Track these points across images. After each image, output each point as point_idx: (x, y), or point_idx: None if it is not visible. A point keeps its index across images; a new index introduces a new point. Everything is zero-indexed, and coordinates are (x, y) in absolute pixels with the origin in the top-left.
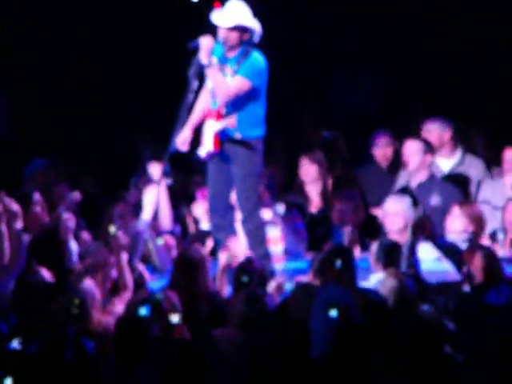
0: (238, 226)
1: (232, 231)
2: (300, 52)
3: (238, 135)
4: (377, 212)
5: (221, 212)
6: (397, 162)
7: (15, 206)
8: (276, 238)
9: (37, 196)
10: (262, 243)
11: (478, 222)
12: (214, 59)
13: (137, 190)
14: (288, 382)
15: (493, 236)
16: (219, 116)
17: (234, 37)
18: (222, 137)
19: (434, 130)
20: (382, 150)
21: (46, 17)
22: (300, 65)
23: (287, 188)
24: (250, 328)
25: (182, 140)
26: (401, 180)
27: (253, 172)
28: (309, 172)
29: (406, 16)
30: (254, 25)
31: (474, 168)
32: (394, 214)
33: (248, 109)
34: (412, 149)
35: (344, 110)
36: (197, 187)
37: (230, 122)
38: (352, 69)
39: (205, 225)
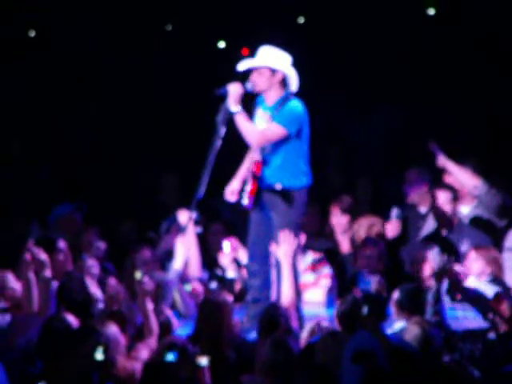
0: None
1: (268, 279)
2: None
3: (278, 185)
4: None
5: (259, 259)
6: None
7: (43, 255)
8: (307, 284)
9: (61, 243)
10: (296, 293)
11: (495, 264)
12: (239, 107)
13: (166, 236)
14: None
15: None
16: (258, 167)
17: (261, 79)
18: (263, 187)
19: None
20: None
21: None
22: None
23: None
24: (277, 374)
25: (230, 190)
26: (429, 224)
27: (292, 222)
28: (340, 222)
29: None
30: (285, 67)
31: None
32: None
33: (288, 158)
34: (442, 199)
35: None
36: (214, 236)
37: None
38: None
39: (231, 273)
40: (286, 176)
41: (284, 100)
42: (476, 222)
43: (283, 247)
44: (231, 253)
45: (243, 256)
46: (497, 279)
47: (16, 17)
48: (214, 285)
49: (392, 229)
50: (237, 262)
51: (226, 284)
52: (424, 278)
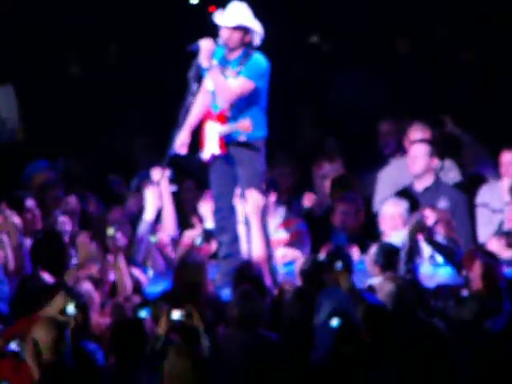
0: (241, 228)
1: (235, 233)
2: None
3: (242, 137)
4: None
5: (224, 213)
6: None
7: (16, 219)
8: (280, 241)
9: (29, 201)
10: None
11: (448, 225)
12: (215, 62)
13: (137, 193)
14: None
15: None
16: (223, 118)
17: (235, 37)
18: (227, 139)
19: (427, 130)
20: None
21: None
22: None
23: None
24: (247, 327)
25: (180, 143)
26: (401, 177)
27: (257, 172)
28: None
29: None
30: (256, 26)
31: (451, 171)
32: (391, 217)
33: (251, 110)
34: (418, 151)
35: (340, 109)
36: (187, 192)
37: (244, 126)
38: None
39: (209, 224)
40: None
41: (247, 54)
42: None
43: (250, 203)
44: (211, 203)
45: None
46: (450, 238)
47: None
48: (198, 240)
49: None
50: None
51: (205, 236)
52: (394, 233)
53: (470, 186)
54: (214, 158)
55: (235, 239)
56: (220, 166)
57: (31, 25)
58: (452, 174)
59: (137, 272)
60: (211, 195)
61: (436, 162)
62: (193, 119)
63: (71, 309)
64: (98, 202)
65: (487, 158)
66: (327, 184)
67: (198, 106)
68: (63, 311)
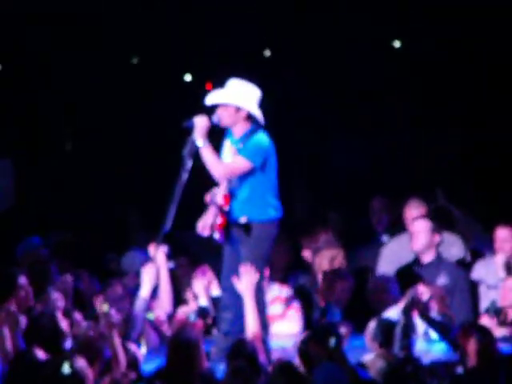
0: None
1: (240, 312)
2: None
3: (243, 219)
4: None
5: (231, 292)
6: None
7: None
8: (274, 316)
9: (22, 279)
10: (263, 325)
11: (442, 301)
12: (205, 141)
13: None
14: None
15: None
16: (226, 200)
17: (226, 115)
18: (231, 220)
19: (420, 206)
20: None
21: None
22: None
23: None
24: None
25: (202, 225)
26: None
27: (258, 255)
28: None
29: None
30: (248, 104)
31: (454, 247)
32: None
33: (254, 191)
34: (420, 227)
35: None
36: (181, 268)
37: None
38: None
39: (203, 301)
40: (252, 209)
41: (250, 133)
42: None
43: (244, 280)
44: (204, 280)
45: (215, 289)
46: (445, 314)
47: None
48: (192, 316)
49: None
50: (209, 293)
51: (200, 313)
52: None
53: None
54: (224, 238)
55: (239, 318)
56: (227, 246)
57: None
58: (454, 249)
59: (133, 348)
60: (203, 271)
61: (437, 238)
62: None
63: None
64: (91, 279)
65: (480, 232)
66: (320, 258)
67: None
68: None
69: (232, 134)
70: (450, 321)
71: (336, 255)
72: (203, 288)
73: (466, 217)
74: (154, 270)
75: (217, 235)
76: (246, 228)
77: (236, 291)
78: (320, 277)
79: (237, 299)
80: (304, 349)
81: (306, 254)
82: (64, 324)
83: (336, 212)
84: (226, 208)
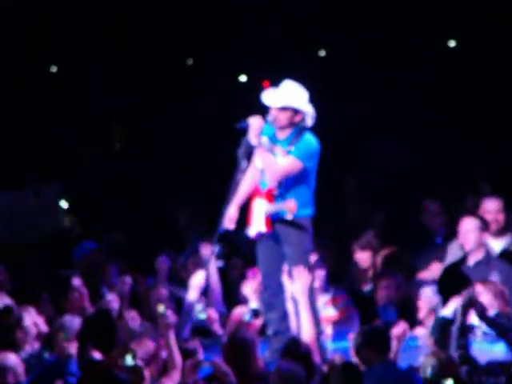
0: (290, 306)
1: (284, 310)
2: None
3: (289, 216)
4: None
5: (273, 291)
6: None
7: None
8: (329, 318)
9: (76, 281)
10: (316, 326)
11: (502, 298)
12: (265, 139)
13: (185, 270)
14: None
15: None
16: (270, 196)
17: (283, 117)
18: (273, 217)
19: (492, 209)
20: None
21: None
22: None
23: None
24: None
25: (228, 218)
26: (454, 252)
27: (304, 251)
28: (361, 257)
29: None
30: (306, 107)
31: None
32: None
33: (299, 189)
34: (469, 226)
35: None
36: (234, 269)
37: (290, 207)
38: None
39: (253, 304)
40: (297, 206)
41: (297, 134)
42: (507, 256)
43: (298, 283)
44: (254, 282)
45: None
46: (503, 313)
47: None
48: (247, 316)
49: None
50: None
51: (253, 313)
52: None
53: None
54: (261, 235)
55: (284, 316)
56: (267, 243)
57: None
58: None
59: (194, 344)
60: (253, 274)
61: (486, 236)
62: (241, 195)
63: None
64: (146, 281)
65: None
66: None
67: (246, 183)
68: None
69: (274, 134)
70: (510, 320)
71: (390, 253)
72: (253, 291)
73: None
74: (202, 273)
75: (252, 231)
76: (292, 225)
77: (278, 290)
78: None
79: (279, 297)
80: (359, 350)
81: (360, 255)
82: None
83: (382, 213)
84: (270, 204)
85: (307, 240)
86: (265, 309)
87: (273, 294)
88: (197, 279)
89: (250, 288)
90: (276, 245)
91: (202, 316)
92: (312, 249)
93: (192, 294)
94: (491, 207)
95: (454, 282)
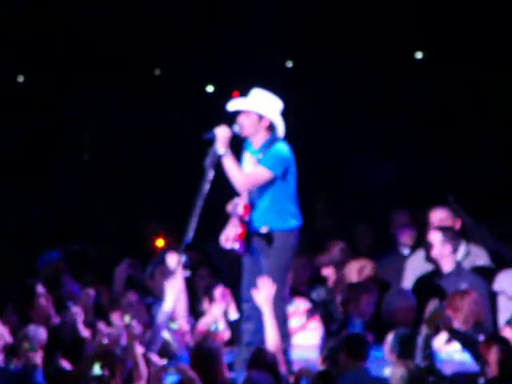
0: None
1: (260, 323)
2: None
3: (264, 229)
4: None
5: (252, 303)
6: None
7: None
8: (299, 328)
9: (40, 288)
10: (284, 336)
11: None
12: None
13: (152, 280)
14: None
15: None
16: (246, 210)
17: (248, 123)
18: (251, 230)
19: (447, 218)
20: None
21: None
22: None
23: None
24: None
25: (225, 236)
26: (416, 265)
27: (281, 265)
28: (328, 274)
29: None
30: (271, 113)
31: (480, 258)
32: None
33: (274, 201)
34: (432, 238)
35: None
36: (201, 280)
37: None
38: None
39: (221, 325)
40: (272, 219)
41: (270, 143)
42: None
43: (263, 292)
44: (222, 304)
45: (233, 311)
46: (479, 325)
47: None
48: (214, 327)
49: None
50: (225, 314)
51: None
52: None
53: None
54: (244, 248)
55: (260, 329)
56: (248, 256)
57: None
58: (481, 260)
59: (155, 358)
60: (223, 295)
61: (449, 248)
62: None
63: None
64: (110, 291)
65: (494, 240)
66: (348, 269)
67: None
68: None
69: (251, 145)
70: (482, 330)
71: (364, 266)
72: (222, 313)
73: (476, 224)
74: (178, 283)
75: (237, 245)
76: (267, 238)
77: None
78: (340, 288)
79: (258, 310)
80: (333, 356)
81: (325, 271)
82: (85, 334)
83: (364, 224)
84: (247, 218)
85: (284, 254)
86: (243, 318)
87: (251, 306)
88: (172, 289)
89: (218, 310)
90: (255, 258)
91: (174, 326)
92: (290, 264)
93: (167, 304)
94: (438, 217)
95: (426, 293)
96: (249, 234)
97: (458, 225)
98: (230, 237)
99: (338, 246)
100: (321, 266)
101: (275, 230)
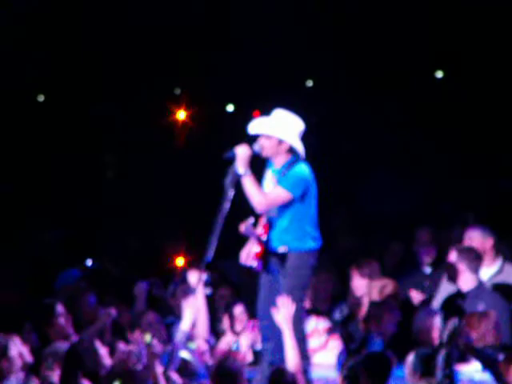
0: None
1: (280, 342)
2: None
3: (282, 248)
4: None
5: (269, 321)
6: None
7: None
8: (319, 347)
9: (59, 307)
10: (304, 355)
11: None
12: (248, 170)
13: (173, 298)
14: None
15: None
16: (265, 229)
17: (268, 146)
18: (270, 249)
19: (476, 238)
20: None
21: None
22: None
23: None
24: None
25: (246, 254)
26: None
27: (299, 285)
28: (358, 285)
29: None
30: (291, 137)
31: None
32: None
33: (293, 221)
34: (452, 257)
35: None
36: (222, 300)
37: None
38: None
39: (249, 356)
40: (291, 239)
41: (290, 164)
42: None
43: (282, 312)
44: (252, 335)
45: (258, 340)
46: (496, 345)
47: None
48: (235, 346)
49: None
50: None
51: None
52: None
53: None
54: (263, 266)
55: (280, 347)
56: (265, 274)
57: None
58: None
59: (175, 377)
60: (253, 327)
61: (464, 267)
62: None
63: None
64: (129, 310)
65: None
66: (370, 287)
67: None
68: None
69: (273, 164)
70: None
71: (386, 285)
72: (249, 344)
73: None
74: (196, 302)
75: (255, 263)
76: (285, 258)
77: (273, 321)
78: (364, 305)
79: (276, 328)
80: (354, 378)
81: (357, 283)
82: (103, 352)
83: (399, 242)
84: (265, 237)
85: (303, 274)
86: (261, 339)
87: (268, 325)
88: (191, 308)
89: (247, 340)
90: (273, 277)
91: (192, 346)
92: (307, 284)
93: (185, 324)
94: (467, 236)
95: (448, 313)
96: (267, 252)
97: (488, 244)
98: (249, 255)
99: (377, 264)
100: (353, 277)
101: (293, 250)
